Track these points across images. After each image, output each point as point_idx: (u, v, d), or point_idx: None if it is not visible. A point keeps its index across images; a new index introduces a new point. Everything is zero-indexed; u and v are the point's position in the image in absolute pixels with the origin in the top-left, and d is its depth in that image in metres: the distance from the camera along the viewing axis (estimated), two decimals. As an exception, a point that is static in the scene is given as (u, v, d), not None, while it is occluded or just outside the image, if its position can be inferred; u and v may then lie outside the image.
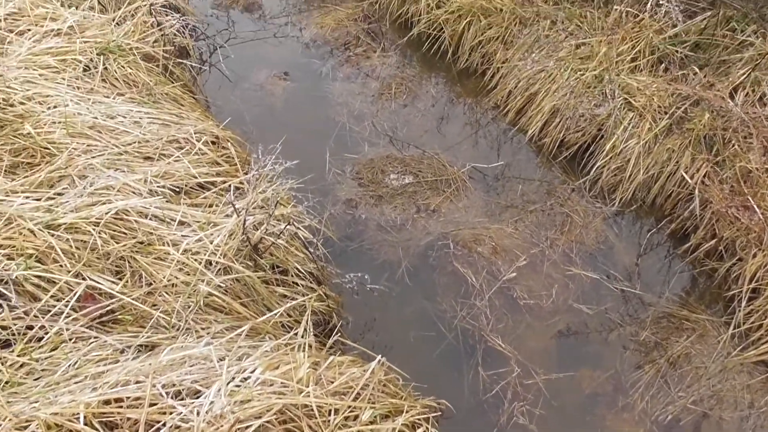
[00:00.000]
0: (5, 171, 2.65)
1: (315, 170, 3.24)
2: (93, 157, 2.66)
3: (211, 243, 2.29)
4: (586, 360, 2.61)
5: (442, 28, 4.31)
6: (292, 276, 2.53)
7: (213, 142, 3.07)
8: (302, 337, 2.05)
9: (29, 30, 3.39)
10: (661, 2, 3.62)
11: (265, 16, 4.76)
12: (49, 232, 2.27)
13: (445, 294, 2.81)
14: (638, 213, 3.23)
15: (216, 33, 4.39)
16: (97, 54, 3.36)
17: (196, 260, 2.27)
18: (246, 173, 2.88)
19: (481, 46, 4.12)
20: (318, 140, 3.60)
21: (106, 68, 3.32)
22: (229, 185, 2.74)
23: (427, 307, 2.76)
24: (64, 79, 3.18)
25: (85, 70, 3.30)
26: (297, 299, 2.41)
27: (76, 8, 3.63)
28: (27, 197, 2.46)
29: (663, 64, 3.54)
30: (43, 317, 2.01)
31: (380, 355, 1.96)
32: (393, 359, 2.03)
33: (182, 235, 2.35)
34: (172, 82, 3.63)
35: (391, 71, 4.19)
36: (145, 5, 3.53)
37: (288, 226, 2.52)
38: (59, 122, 2.80)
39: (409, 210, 3.15)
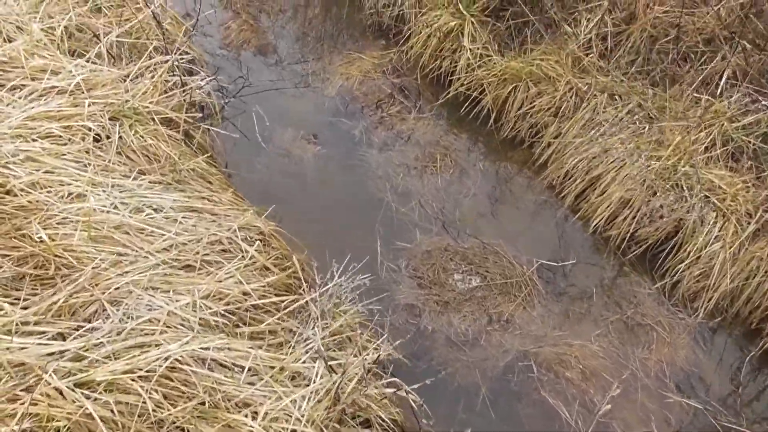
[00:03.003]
0: (7, 287, 2.12)
1: (366, 264, 2.83)
2: (125, 272, 2.16)
3: (297, 407, 1.85)
4: None
5: (484, 91, 3.99)
6: (375, 430, 2.11)
7: (259, 239, 2.62)
8: None
9: (24, 86, 2.82)
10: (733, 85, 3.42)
11: (282, 62, 4.29)
12: (82, 393, 1.78)
13: (535, 430, 2.46)
14: (726, 326, 2.99)
15: (230, 82, 3.91)
16: (109, 119, 2.84)
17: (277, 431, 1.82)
18: (301, 280, 2.44)
19: (529, 115, 3.82)
20: (362, 224, 3.19)
21: (121, 137, 2.81)
22: (294, 304, 2.31)
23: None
24: (71, 153, 2.65)
25: (96, 140, 2.78)
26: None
27: (81, 58, 3.09)
28: (44, 333, 1.95)
29: (737, 156, 3.33)
30: None
31: None
32: None
33: (255, 392, 1.90)
34: (195, 152, 3.14)
35: (430, 137, 3.82)
36: (166, 62, 3.02)
37: (373, 366, 2.11)
38: (77, 220, 2.28)
39: (480, 320, 2.78)
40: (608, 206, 3.32)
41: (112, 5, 3.60)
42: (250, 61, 4.26)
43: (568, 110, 3.69)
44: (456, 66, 4.21)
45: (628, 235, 3.24)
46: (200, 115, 3.22)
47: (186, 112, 3.07)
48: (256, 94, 3.94)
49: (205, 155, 3.18)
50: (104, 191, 2.53)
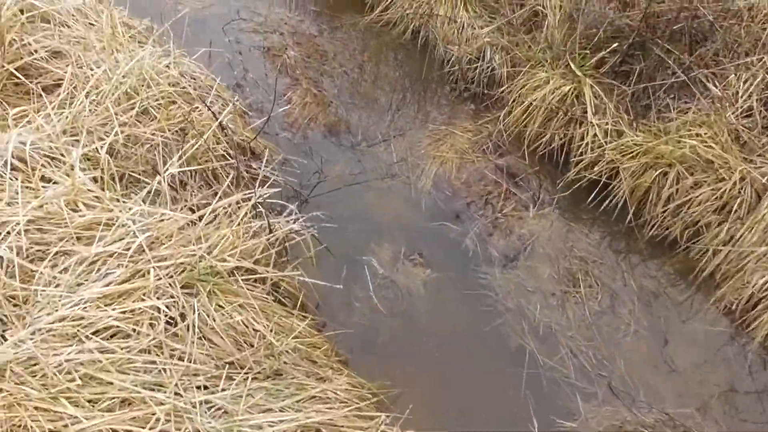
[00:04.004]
0: None
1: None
2: None
3: None
4: None
5: (615, 175, 3.27)
6: None
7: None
8: None
9: (69, 253, 2.14)
10: None
11: (359, 144, 3.58)
12: None
13: None
14: None
15: (307, 180, 3.22)
16: (182, 287, 2.15)
17: None
18: None
19: (682, 211, 3.09)
20: (504, 387, 2.49)
21: (199, 314, 2.12)
22: None
23: None
24: (140, 351, 1.97)
25: (169, 325, 2.09)
26: None
27: (134, 189, 2.40)
28: None
29: None
30: None
31: None
32: None
33: None
34: (282, 303, 2.46)
35: (559, 243, 3.11)
36: (247, 199, 2.32)
37: None
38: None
39: None
40: (821, 347, 2.60)
41: (160, 104, 2.91)
42: (321, 145, 3.55)
43: (740, 207, 2.96)
44: (572, 138, 3.50)
45: None
46: (286, 258, 2.53)
47: (272, 258, 2.38)
48: (335, 191, 3.25)
49: (296, 306, 2.50)
50: (190, 417, 1.85)
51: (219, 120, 2.69)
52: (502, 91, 3.83)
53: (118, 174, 2.60)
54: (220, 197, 2.35)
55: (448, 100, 3.97)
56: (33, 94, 2.86)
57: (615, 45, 3.54)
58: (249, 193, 2.33)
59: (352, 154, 3.52)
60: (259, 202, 2.34)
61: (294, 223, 2.35)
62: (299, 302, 2.51)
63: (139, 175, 2.67)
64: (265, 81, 3.93)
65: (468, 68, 4.00)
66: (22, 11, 2.94)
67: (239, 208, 2.33)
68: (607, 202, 3.26)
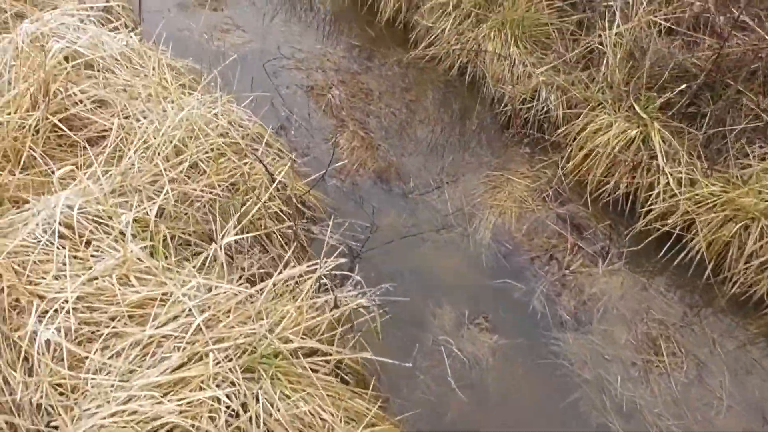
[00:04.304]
0: None
1: None
2: None
3: None
4: None
5: (690, 226, 3.04)
6: None
7: None
8: None
9: (122, 335, 1.97)
10: None
11: (411, 191, 3.40)
12: None
13: None
14: None
15: (359, 232, 3.03)
16: (243, 372, 1.97)
17: None
18: None
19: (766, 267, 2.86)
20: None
21: (262, 404, 1.93)
22: None
23: None
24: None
25: (230, 417, 1.90)
26: None
27: (186, 268, 2.22)
28: None
29: None
30: None
31: None
32: None
33: None
34: (343, 380, 2.26)
35: (634, 303, 2.88)
36: (311, 272, 2.13)
37: None
38: None
39: None
40: None
41: (209, 156, 2.75)
42: (371, 192, 3.37)
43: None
44: (639, 186, 3.29)
45: None
46: (351, 333, 2.33)
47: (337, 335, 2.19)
48: (387, 244, 3.06)
49: (359, 383, 2.30)
50: None
51: (275, 179, 2.52)
52: (560, 134, 3.63)
53: (171, 236, 2.44)
54: (281, 269, 2.16)
55: (501, 142, 3.78)
56: (78, 147, 2.74)
57: (683, 86, 3.33)
58: (313, 265, 2.14)
59: (405, 203, 3.33)
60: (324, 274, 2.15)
61: (362, 297, 2.16)
62: (362, 378, 2.32)
63: (190, 236, 2.51)
64: (309, 122, 3.78)
65: (521, 108, 3.81)
66: (67, 59, 2.82)
67: (303, 281, 2.15)
68: (681, 255, 3.03)
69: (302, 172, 3.37)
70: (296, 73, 4.20)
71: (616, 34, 3.64)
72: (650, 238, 3.11)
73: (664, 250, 3.06)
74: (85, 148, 2.72)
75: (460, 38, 4.32)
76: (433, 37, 4.42)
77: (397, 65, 4.36)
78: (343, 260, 2.17)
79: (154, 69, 3.21)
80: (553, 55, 4.04)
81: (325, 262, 2.14)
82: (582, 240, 3.17)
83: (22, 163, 2.63)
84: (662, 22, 3.57)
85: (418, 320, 2.73)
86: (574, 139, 3.53)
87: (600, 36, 3.82)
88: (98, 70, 3.04)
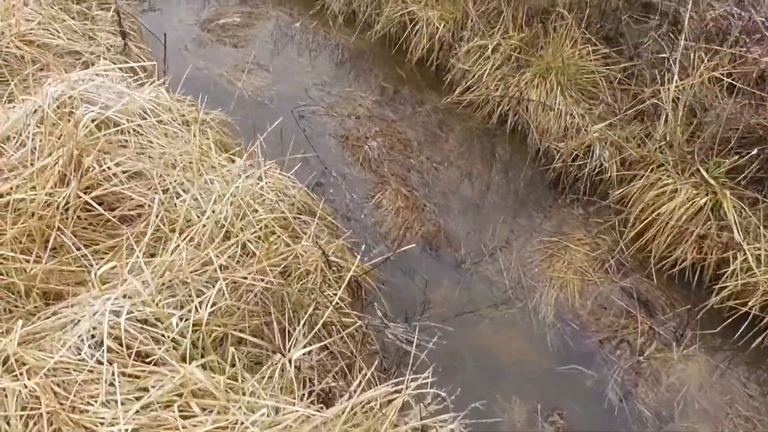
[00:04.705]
0: None
1: None
2: None
3: None
4: None
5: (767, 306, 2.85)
6: None
7: None
8: None
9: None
10: None
11: (463, 261, 3.16)
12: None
13: None
14: None
15: (411, 308, 2.79)
16: None
17: None
18: None
19: None
20: None
21: None
22: None
23: None
24: None
25: None
26: None
27: (249, 382, 1.95)
28: None
29: None
30: None
31: None
32: None
33: None
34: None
35: (717, 396, 2.67)
36: (393, 394, 1.88)
37: None
38: None
39: None
40: None
41: (258, 236, 2.50)
42: (420, 261, 3.13)
43: None
44: (707, 256, 3.09)
45: None
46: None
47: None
48: (442, 323, 2.82)
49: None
50: None
51: (330, 260, 2.27)
52: (616, 195, 3.43)
53: (221, 334, 2.18)
54: (356, 387, 1.91)
55: (551, 201, 3.57)
56: (111, 226, 2.47)
57: (755, 150, 3.15)
58: (398, 383, 1.89)
59: (457, 274, 3.10)
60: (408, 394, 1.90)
61: (452, 422, 1.92)
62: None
63: (245, 333, 2.25)
64: (347, 177, 3.53)
65: (572, 165, 3.60)
66: (99, 127, 2.54)
67: (386, 402, 1.90)
68: (760, 338, 2.84)
69: (347, 237, 3.13)
70: (327, 120, 3.96)
71: (675, 88, 3.45)
72: (723, 317, 2.92)
73: (740, 331, 2.86)
74: (120, 227, 2.45)
75: (499, 84, 4.11)
76: (470, 81, 4.21)
77: (432, 111, 4.14)
78: (428, 377, 1.92)
79: (189, 130, 2.96)
80: (602, 105, 3.85)
81: (409, 378, 1.89)
82: (651, 318, 2.96)
83: (49, 246, 2.36)
84: (726, 79, 3.39)
85: (489, 415, 2.50)
86: (633, 201, 3.34)
87: (653, 89, 3.64)
88: (128, 132, 2.78)
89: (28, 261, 2.30)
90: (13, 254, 2.30)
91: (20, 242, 2.37)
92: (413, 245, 3.05)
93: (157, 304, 2.05)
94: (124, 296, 2.03)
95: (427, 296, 2.94)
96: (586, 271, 3.13)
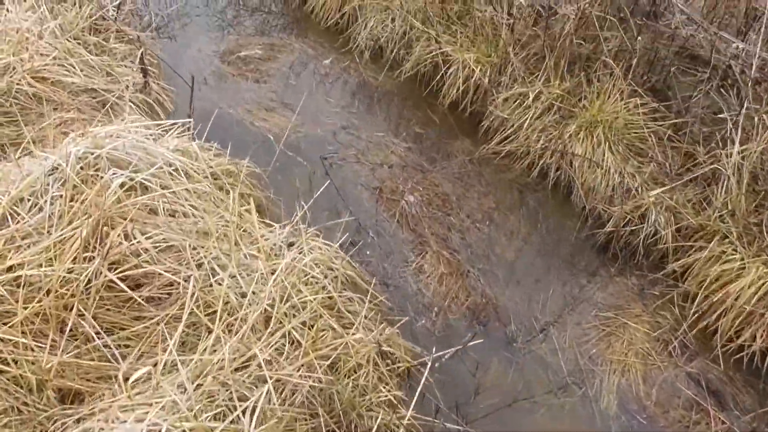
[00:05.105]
0: None
1: None
2: None
3: None
4: None
5: None
6: None
7: None
8: None
9: None
10: None
11: (513, 338, 2.89)
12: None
13: None
14: None
15: (461, 393, 2.51)
16: None
17: None
18: None
19: None
20: None
21: None
22: None
23: None
24: None
25: None
26: None
27: None
28: None
29: None
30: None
31: None
32: None
33: None
34: None
35: None
36: None
37: None
38: None
39: None
40: None
41: (302, 323, 2.21)
42: (459, 337, 2.86)
43: None
44: (776, 341, 2.85)
45: None
46: None
47: None
48: (496, 411, 2.55)
49: None
50: None
51: (383, 351, 1.99)
52: (674, 266, 3.19)
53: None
54: None
55: (602, 268, 3.31)
56: (136, 306, 2.17)
57: (829, 227, 2.94)
58: None
59: (509, 353, 2.83)
60: None
61: None
62: None
63: (291, 445, 1.96)
64: (383, 236, 3.26)
65: (624, 231, 3.36)
66: (128, 193, 2.25)
67: None
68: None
69: (388, 309, 2.85)
70: (359, 169, 3.69)
71: (738, 153, 3.24)
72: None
73: (820, 429, 2.62)
74: (147, 309, 2.16)
75: (541, 135, 3.87)
76: (508, 130, 3.98)
77: (469, 162, 3.89)
78: None
79: (218, 185, 2.68)
80: (652, 164, 3.63)
81: None
82: (722, 410, 2.71)
83: (66, 331, 2.07)
84: (793, 146, 3.18)
85: None
86: (693, 275, 3.10)
87: (709, 149, 3.42)
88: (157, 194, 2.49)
89: (41, 347, 2.01)
90: (24, 340, 2.01)
91: (32, 323, 2.08)
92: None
93: (196, 417, 1.76)
94: (161, 408, 1.74)
95: (479, 379, 2.68)
96: (649, 353, 2.88)
